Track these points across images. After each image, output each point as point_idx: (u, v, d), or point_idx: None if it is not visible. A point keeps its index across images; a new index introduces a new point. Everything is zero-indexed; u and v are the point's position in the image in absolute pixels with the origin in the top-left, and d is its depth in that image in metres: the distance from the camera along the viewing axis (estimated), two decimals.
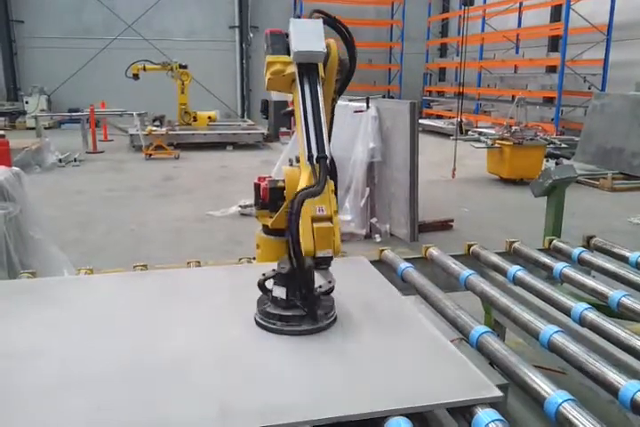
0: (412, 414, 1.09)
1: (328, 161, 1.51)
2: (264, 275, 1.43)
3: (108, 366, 1.23)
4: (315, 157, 1.50)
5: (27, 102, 17.37)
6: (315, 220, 1.43)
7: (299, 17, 1.73)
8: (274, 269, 1.42)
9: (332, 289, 1.41)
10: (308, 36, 1.60)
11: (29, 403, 1.10)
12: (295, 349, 1.32)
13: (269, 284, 1.42)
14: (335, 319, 1.42)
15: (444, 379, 1.20)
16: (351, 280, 1.71)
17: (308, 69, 1.62)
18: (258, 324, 1.40)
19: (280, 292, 1.39)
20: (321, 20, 1.65)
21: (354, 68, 1.85)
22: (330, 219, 1.44)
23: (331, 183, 1.49)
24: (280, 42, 1.68)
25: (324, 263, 1.44)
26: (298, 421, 1.04)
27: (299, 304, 1.38)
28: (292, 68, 1.63)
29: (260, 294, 1.45)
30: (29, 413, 1.08)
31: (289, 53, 1.64)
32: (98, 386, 1.15)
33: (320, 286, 1.40)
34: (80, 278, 1.81)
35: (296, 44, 1.59)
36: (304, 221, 1.40)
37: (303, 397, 1.12)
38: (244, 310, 1.40)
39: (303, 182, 1.50)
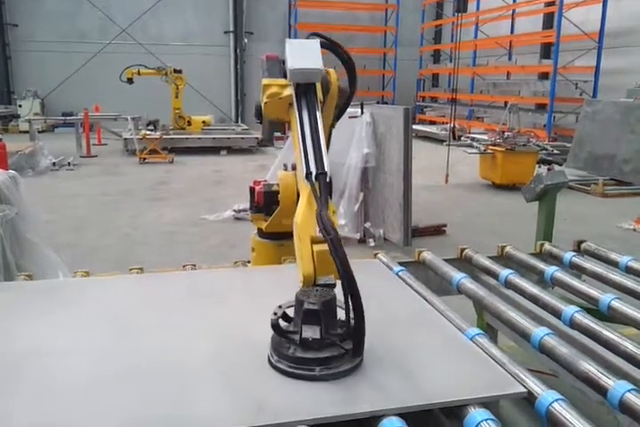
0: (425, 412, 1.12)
1: (327, 178, 1.37)
2: (275, 314, 1.21)
3: (137, 364, 1.25)
4: (314, 174, 1.36)
5: (20, 106, 17.25)
6: (314, 241, 1.26)
7: (292, 32, 1.69)
8: (280, 306, 1.24)
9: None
10: (304, 55, 1.51)
11: (64, 399, 1.12)
12: None
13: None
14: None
15: (469, 376, 1.22)
16: (368, 281, 1.75)
17: (305, 90, 1.52)
18: (286, 373, 1.18)
19: (312, 332, 1.17)
20: (318, 40, 1.59)
21: (353, 94, 1.81)
22: None
23: (331, 203, 1.34)
24: (276, 67, 1.65)
25: None
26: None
27: (337, 342, 1.17)
28: (289, 91, 1.56)
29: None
30: (65, 409, 1.09)
31: (286, 78, 1.56)
32: (130, 383, 1.17)
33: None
34: (86, 281, 1.83)
35: (292, 63, 1.49)
36: (303, 243, 1.26)
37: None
38: (256, 310, 1.36)
39: (302, 203, 1.34)
